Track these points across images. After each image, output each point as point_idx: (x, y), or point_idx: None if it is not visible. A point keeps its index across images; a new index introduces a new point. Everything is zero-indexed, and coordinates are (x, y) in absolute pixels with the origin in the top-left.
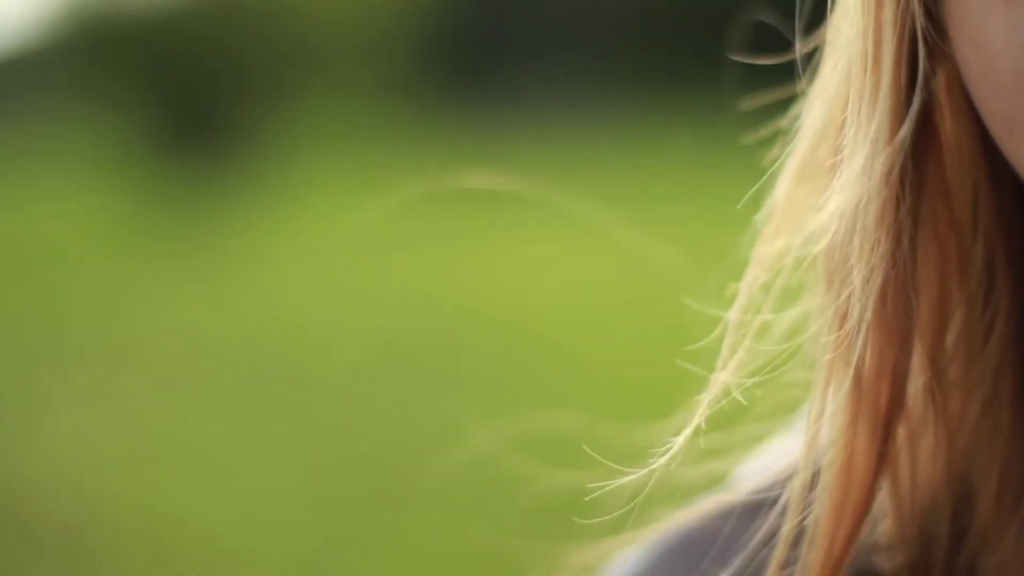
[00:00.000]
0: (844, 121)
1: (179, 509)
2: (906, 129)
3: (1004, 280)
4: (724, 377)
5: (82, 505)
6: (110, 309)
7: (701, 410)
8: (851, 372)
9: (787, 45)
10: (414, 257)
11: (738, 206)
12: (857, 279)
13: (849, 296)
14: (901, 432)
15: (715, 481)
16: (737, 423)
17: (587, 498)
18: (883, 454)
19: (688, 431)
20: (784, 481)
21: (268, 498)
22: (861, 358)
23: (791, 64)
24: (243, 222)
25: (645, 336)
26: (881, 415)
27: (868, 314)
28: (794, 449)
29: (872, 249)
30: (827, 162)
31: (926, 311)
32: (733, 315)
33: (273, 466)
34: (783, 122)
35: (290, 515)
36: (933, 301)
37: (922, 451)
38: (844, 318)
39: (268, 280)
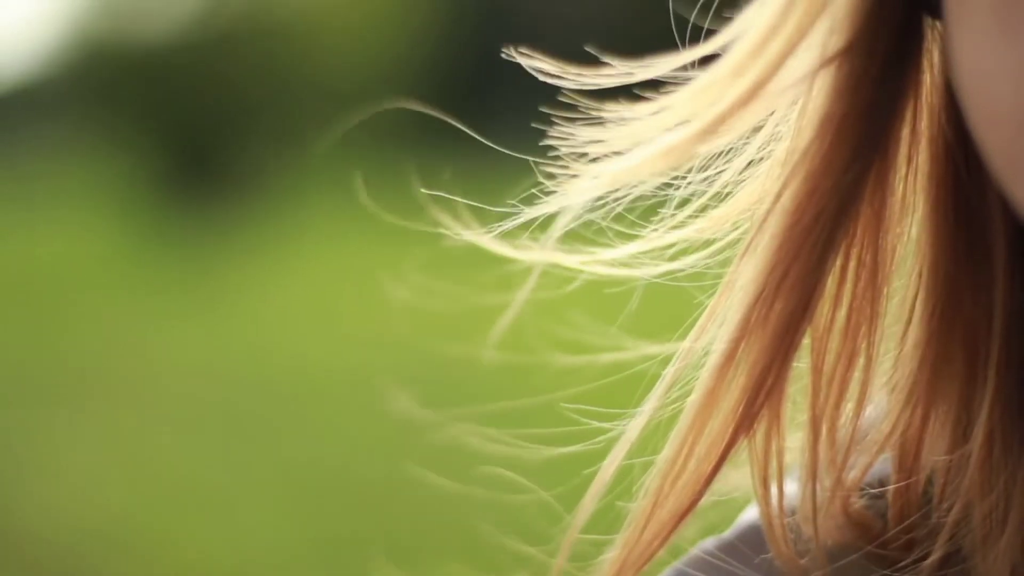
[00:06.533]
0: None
1: (178, 536)
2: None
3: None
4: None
5: (82, 532)
6: (110, 340)
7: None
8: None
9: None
10: (404, 294)
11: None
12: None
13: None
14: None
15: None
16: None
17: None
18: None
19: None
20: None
21: (266, 524)
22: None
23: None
24: (242, 258)
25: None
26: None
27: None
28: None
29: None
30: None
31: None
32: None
33: (269, 493)
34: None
35: (287, 540)
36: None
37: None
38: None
39: (265, 315)
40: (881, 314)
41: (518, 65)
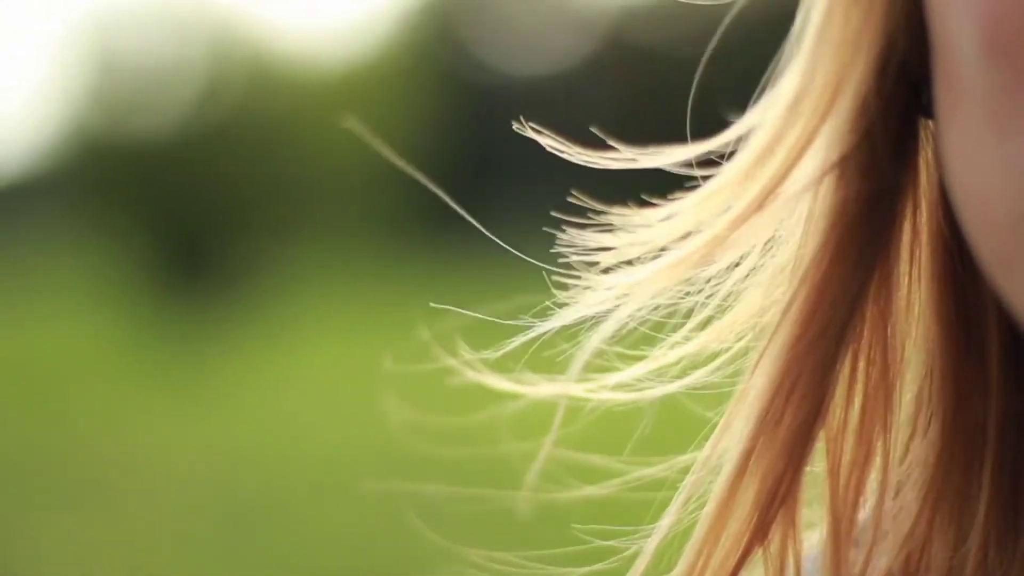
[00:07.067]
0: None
1: None
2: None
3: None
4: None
5: None
6: (105, 433)
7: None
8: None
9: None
10: (402, 386)
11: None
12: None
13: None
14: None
15: None
16: None
17: None
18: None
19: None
20: None
21: None
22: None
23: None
24: (237, 350)
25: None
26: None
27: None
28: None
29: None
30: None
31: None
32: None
33: None
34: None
35: None
36: (853, 447)
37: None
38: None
39: (261, 408)
40: (895, 411)
41: (517, 161)
